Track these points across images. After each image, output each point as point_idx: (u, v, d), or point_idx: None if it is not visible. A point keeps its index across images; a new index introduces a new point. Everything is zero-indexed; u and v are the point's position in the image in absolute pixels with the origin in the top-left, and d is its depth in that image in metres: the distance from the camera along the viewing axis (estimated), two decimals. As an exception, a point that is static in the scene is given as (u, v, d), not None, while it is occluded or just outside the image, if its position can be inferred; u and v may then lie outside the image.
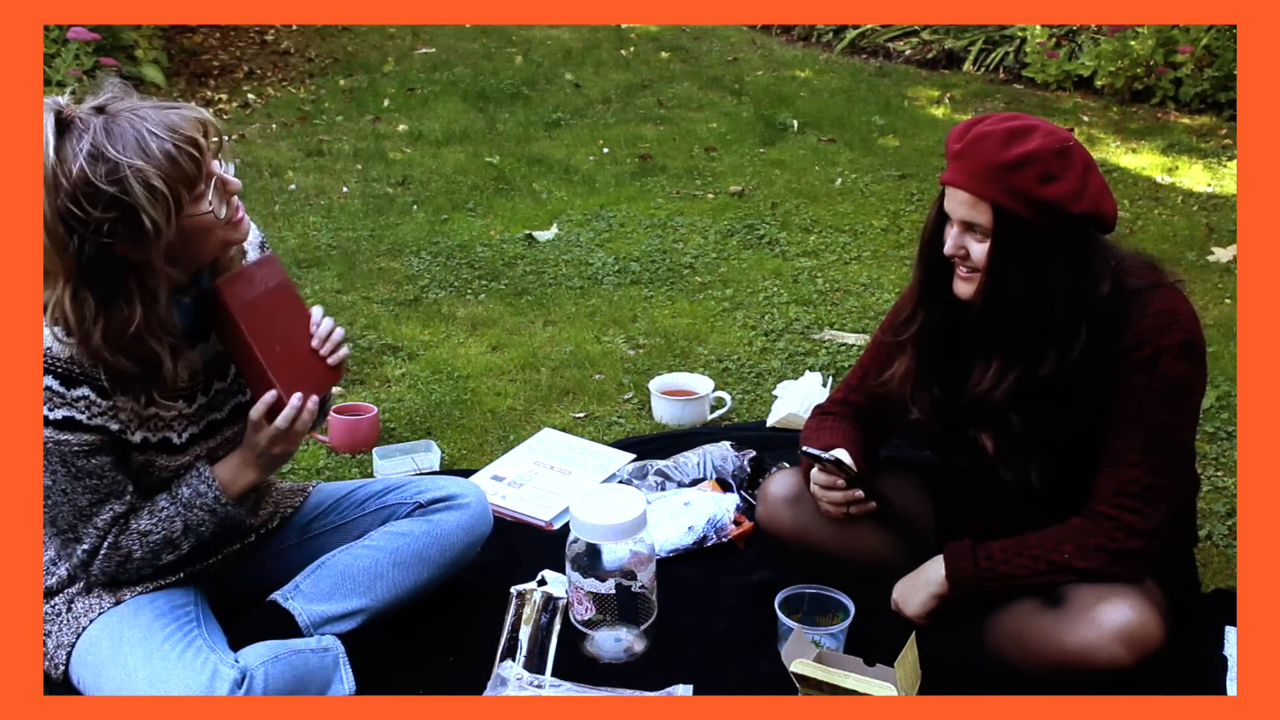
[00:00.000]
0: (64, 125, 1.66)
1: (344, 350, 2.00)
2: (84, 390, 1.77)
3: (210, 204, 1.74)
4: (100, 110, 1.69)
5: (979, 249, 1.83)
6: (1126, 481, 1.85)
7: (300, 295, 2.01)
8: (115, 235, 1.67)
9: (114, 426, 1.81)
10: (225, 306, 1.85)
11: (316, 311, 2.00)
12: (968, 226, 1.83)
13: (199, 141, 1.71)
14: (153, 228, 1.67)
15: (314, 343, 1.96)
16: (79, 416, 1.77)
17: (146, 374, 1.78)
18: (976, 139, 1.78)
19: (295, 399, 1.88)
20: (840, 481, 2.01)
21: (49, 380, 1.74)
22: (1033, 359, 1.85)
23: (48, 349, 1.74)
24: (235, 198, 1.81)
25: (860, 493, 2.01)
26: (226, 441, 1.98)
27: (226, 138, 1.79)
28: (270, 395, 1.88)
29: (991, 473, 1.98)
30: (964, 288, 1.88)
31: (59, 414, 1.75)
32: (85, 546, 1.86)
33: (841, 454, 2.02)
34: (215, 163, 1.76)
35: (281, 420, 1.88)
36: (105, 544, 1.86)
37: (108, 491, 1.84)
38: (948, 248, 1.86)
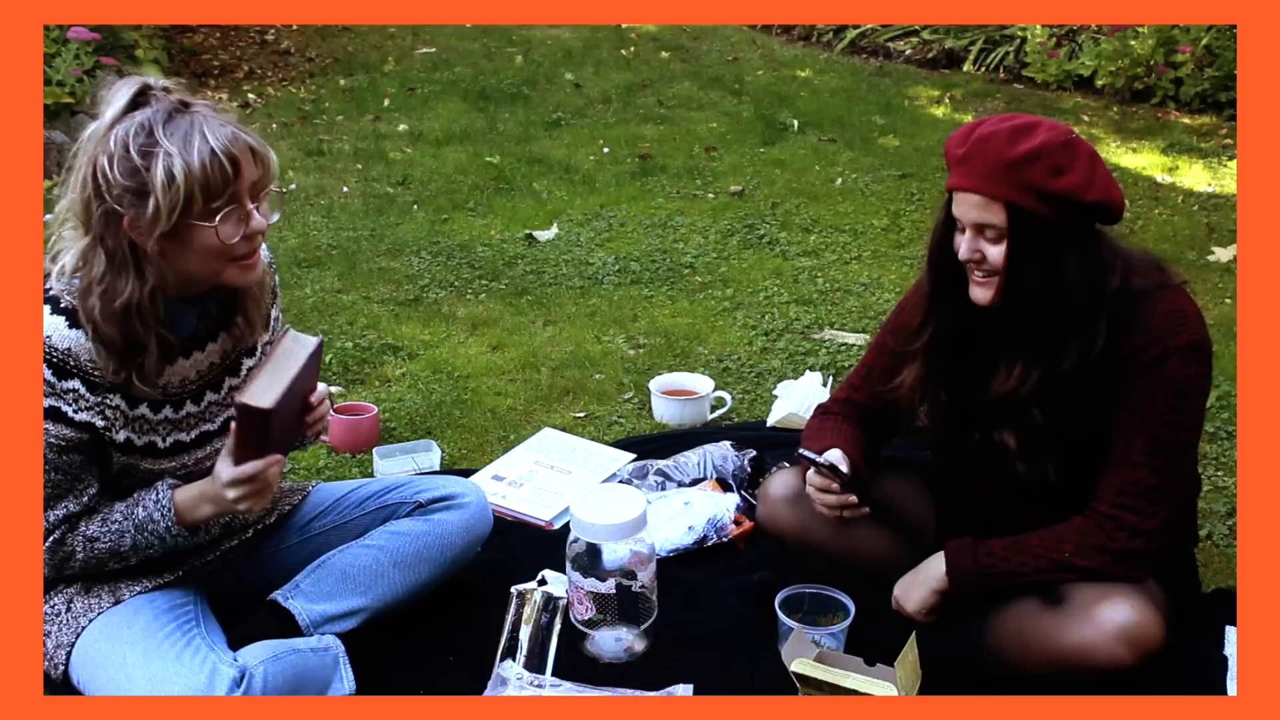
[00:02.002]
0: (142, 99, 1.72)
1: (322, 425, 1.99)
2: (75, 383, 1.77)
3: (218, 225, 1.73)
4: (182, 103, 1.74)
5: (995, 251, 1.82)
6: (1130, 482, 1.85)
7: (318, 370, 1.95)
8: (123, 206, 1.70)
9: (99, 423, 1.81)
10: (267, 421, 1.79)
11: (320, 389, 1.97)
12: (980, 230, 1.82)
13: (240, 162, 1.72)
14: (154, 214, 1.69)
15: (308, 417, 1.94)
16: (65, 409, 1.77)
17: (130, 354, 1.78)
18: (981, 140, 1.78)
19: (270, 461, 1.84)
20: (835, 485, 2.01)
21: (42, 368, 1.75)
22: (1055, 354, 1.85)
23: (46, 337, 1.75)
24: (258, 238, 1.81)
25: (853, 498, 2.01)
26: (216, 453, 1.96)
27: (281, 189, 1.81)
28: (250, 467, 1.82)
29: (995, 472, 1.98)
30: (981, 293, 1.87)
31: (46, 403, 1.76)
32: None
33: (837, 457, 2.02)
34: (251, 204, 1.76)
35: (251, 475, 1.83)
36: (50, 539, 1.85)
37: (66, 489, 1.84)
38: (963, 253, 1.85)
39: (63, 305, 1.76)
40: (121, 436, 1.84)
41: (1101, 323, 1.83)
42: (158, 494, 1.88)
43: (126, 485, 1.90)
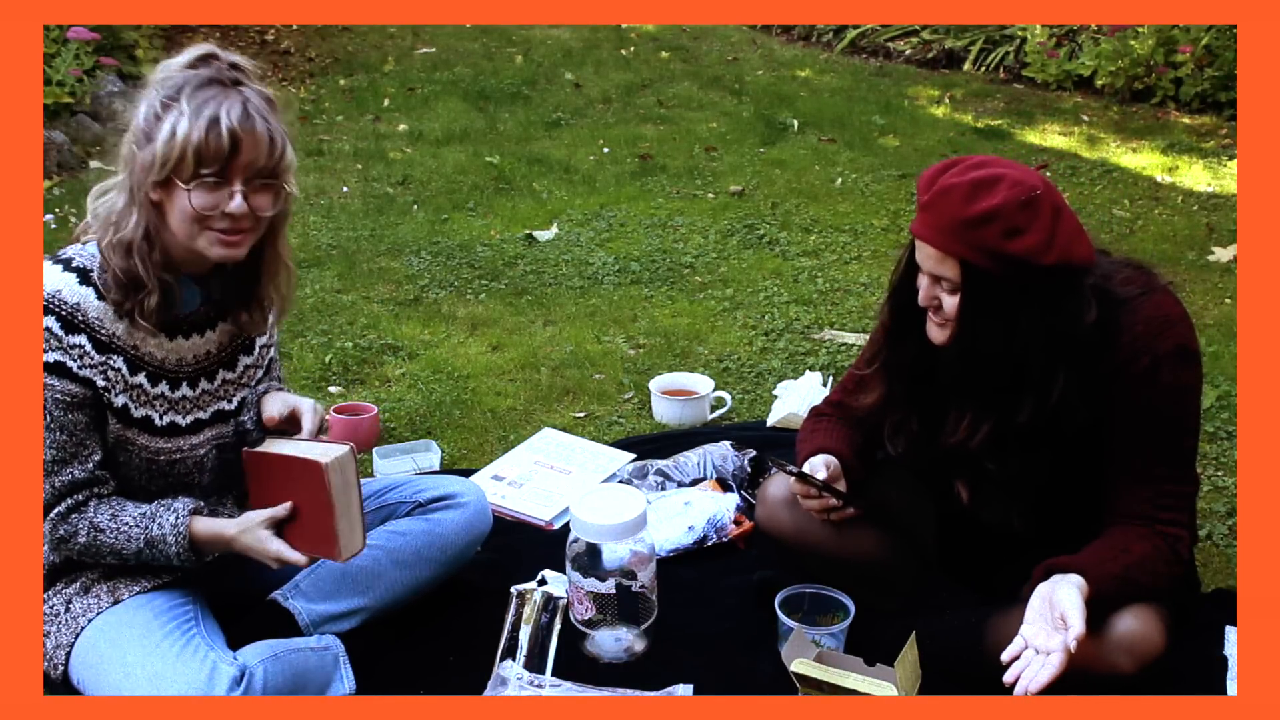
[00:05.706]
0: (205, 60, 1.80)
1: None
2: (81, 339, 1.80)
3: (191, 188, 1.75)
4: (234, 81, 1.79)
5: (950, 301, 1.81)
6: (1163, 494, 1.85)
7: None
8: (138, 147, 1.77)
9: (100, 382, 1.82)
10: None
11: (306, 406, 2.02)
12: (937, 279, 1.81)
13: (241, 143, 1.74)
14: (149, 160, 1.74)
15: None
16: (70, 364, 1.79)
17: (132, 288, 1.81)
18: (941, 192, 1.75)
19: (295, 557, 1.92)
20: (812, 490, 2.01)
21: (50, 321, 1.77)
22: (1008, 408, 1.84)
23: (56, 291, 1.78)
24: (243, 221, 1.81)
25: (833, 500, 2.01)
26: (208, 442, 1.98)
27: (293, 191, 1.87)
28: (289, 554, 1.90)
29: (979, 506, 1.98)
30: (937, 333, 1.86)
31: (51, 357, 1.78)
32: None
33: (824, 462, 2.02)
34: (242, 186, 1.77)
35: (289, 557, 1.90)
36: (55, 510, 1.85)
37: (71, 454, 1.84)
38: (920, 298, 1.84)
39: (75, 265, 1.81)
40: (120, 401, 1.86)
41: (1060, 374, 1.80)
42: (176, 518, 1.89)
43: (123, 461, 1.91)
